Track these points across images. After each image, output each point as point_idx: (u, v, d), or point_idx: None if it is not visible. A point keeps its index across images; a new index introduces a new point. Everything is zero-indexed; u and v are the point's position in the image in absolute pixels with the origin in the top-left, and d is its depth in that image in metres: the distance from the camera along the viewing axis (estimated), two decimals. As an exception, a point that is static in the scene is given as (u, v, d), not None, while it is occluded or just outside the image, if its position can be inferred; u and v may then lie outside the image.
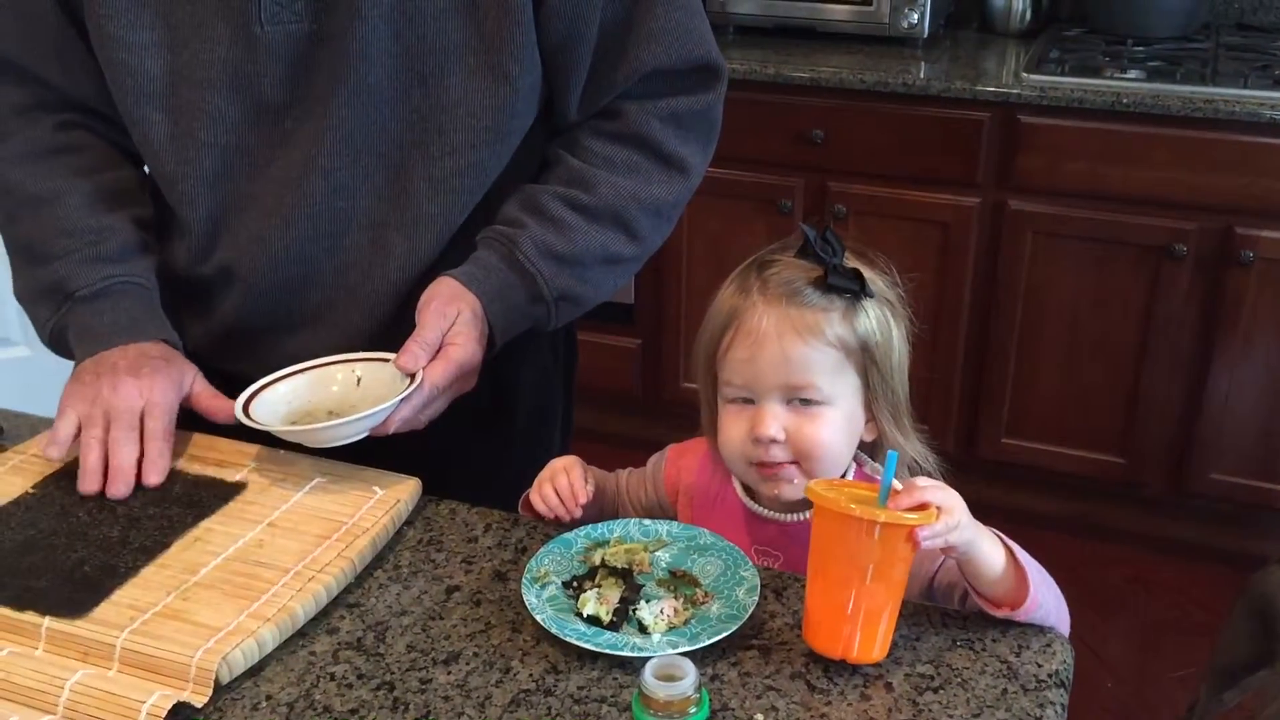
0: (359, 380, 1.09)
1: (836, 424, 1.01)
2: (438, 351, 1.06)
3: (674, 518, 1.11)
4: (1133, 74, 2.43)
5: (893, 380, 1.04)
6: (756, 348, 1.01)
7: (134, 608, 0.88)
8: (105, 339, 1.10)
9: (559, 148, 1.20)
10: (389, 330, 1.14)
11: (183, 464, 1.06)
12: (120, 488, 1.01)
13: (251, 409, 1.04)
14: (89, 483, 1.01)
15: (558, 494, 1.03)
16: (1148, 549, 2.60)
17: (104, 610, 0.87)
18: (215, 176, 1.14)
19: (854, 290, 1.00)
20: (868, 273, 1.02)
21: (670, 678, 0.67)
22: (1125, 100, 2.32)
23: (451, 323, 1.08)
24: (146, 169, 1.22)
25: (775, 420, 1.00)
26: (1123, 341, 2.50)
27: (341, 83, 1.08)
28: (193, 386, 1.10)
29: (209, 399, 1.09)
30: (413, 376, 1.03)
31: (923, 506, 0.85)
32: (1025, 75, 2.44)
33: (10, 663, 0.83)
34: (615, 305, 2.87)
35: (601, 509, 1.12)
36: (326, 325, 1.17)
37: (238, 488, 1.02)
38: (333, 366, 1.10)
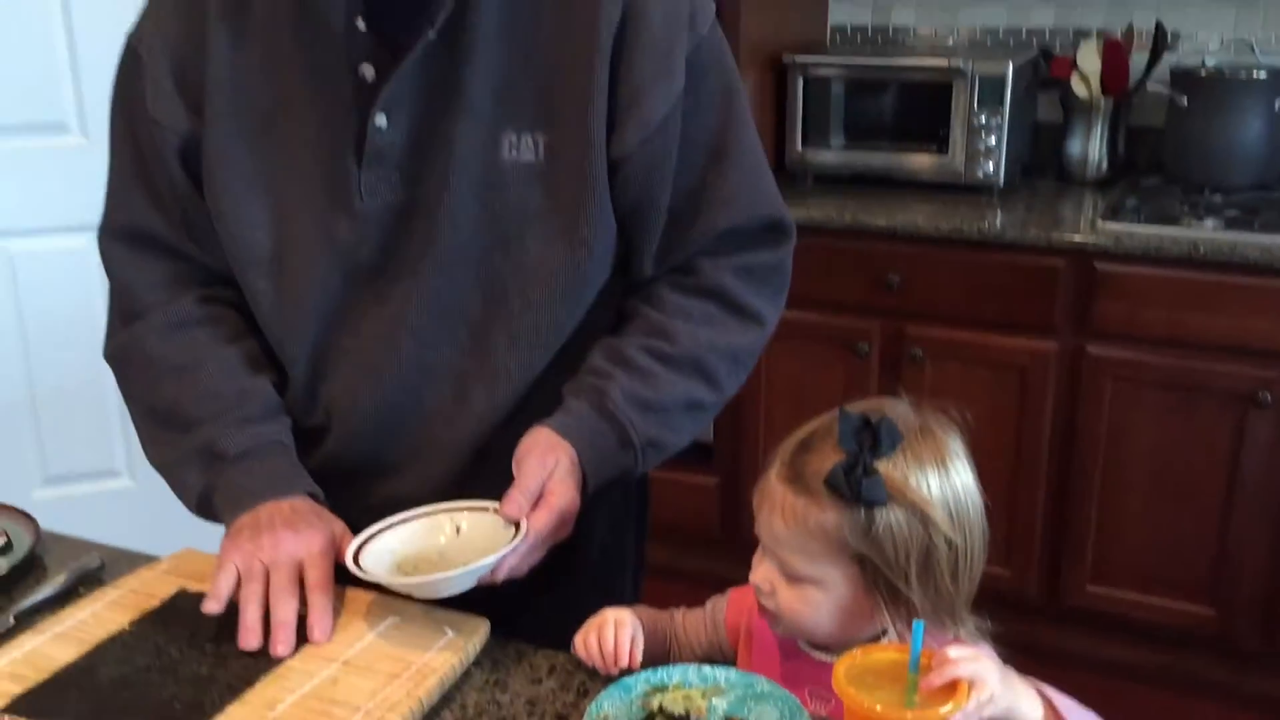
0: (459, 529, 1.14)
1: (815, 603, 1.03)
2: (538, 500, 1.11)
3: (733, 660, 1.13)
4: (1210, 223, 2.45)
5: (905, 584, 1.00)
6: (760, 508, 1.06)
7: (216, 741, 0.93)
8: (257, 495, 1.15)
9: (639, 301, 1.26)
10: (467, 477, 1.20)
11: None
12: (282, 646, 1.03)
13: (361, 559, 1.08)
14: (250, 638, 1.03)
15: (600, 647, 1.06)
16: (1240, 704, 2.51)
17: (188, 744, 0.93)
18: (316, 336, 1.22)
19: (845, 497, 0.99)
20: (912, 475, 1.00)
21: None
22: (1202, 249, 2.34)
23: (550, 471, 1.12)
24: None
25: (762, 572, 1.06)
26: (1209, 489, 2.46)
27: (430, 247, 1.16)
28: (341, 540, 1.13)
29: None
30: (516, 524, 1.08)
31: (954, 684, 0.86)
32: (1101, 223, 2.47)
33: (100, 791, 0.89)
34: (694, 444, 2.89)
35: (654, 648, 1.14)
36: (412, 472, 1.23)
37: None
38: (436, 515, 1.15)
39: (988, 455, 2.54)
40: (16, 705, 0.97)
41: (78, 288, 2.87)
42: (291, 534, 1.10)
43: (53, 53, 2.72)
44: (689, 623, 1.18)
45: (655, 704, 0.98)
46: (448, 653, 1.05)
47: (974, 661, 0.87)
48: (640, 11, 1.15)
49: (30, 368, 2.88)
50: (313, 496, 1.18)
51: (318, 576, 1.08)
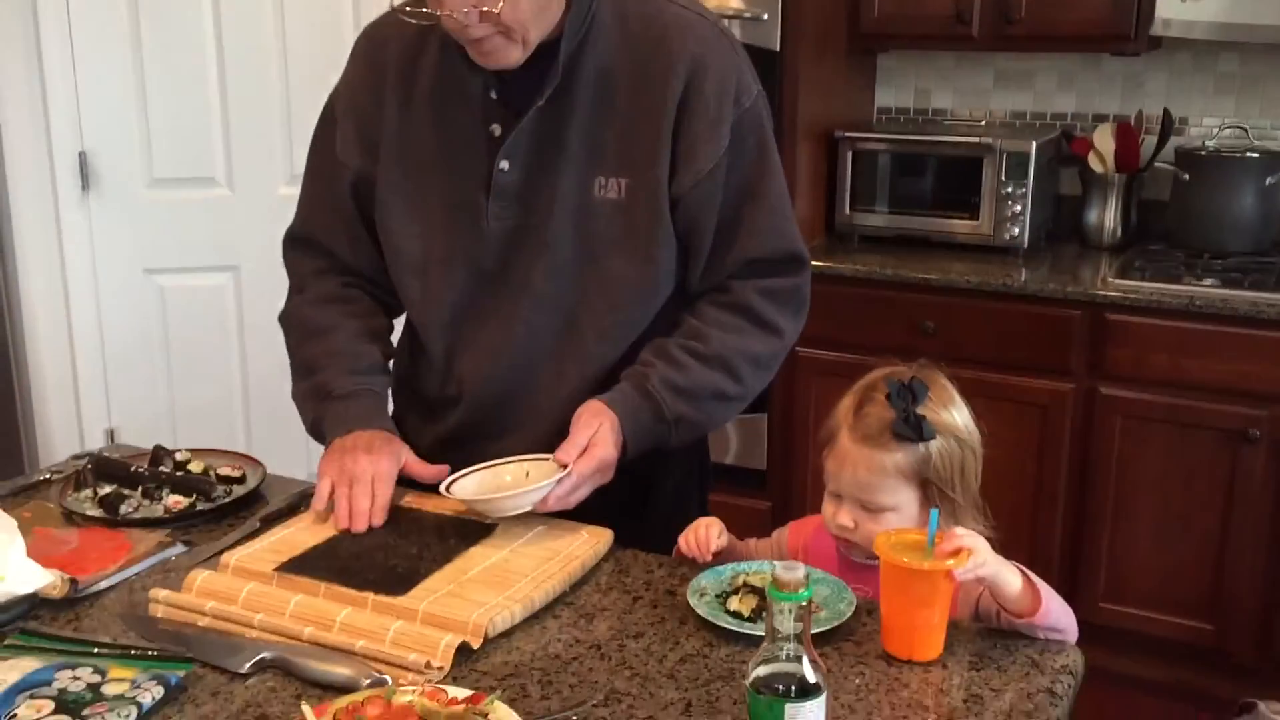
0: (527, 473, 1.51)
1: (892, 523, 1.39)
2: (585, 450, 1.47)
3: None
4: (1208, 281, 2.81)
5: (954, 491, 1.40)
6: (839, 466, 1.43)
7: (430, 590, 1.31)
8: (349, 425, 1.55)
9: (686, 313, 1.61)
10: (560, 438, 1.52)
11: (451, 514, 1.50)
12: (360, 524, 1.44)
13: (451, 489, 1.48)
14: (340, 523, 1.45)
15: (695, 540, 1.43)
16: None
17: (413, 592, 1.30)
18: (450, 324, 1.60)
19: (912, 439, 1.39)
20: (940, 413, 1.41)
21: (791, 569, 1.04)
22: (1198, 303, 2.70)
23: (595, 430, 1.48)
24: (400, 320, 1.71)
25: (848, 516, 1.43)
26: (1208, 515, 2.78)
27: (537, 260, 1.54)
28: (406, 460, 1.53)
29: (419, 467, 1.54)
30: (564, 467, 1.45)
31: (958, 550, 1.22)
32: (1112, 280, 2.84)
33: (352, 616, 1.27)
34: (749, 471, 3.28)
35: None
36: (518, 434, 1.59)
37: (491, 529, 1.46)
38: (510, 464, 1.52)
39: (1011, 485, 2.94)
40: (284, 567, 1.36)
41: (215, 319, 3.31)
42: (367, 456, 1.50)
43: (208, 116, 3.19)
44: (759, 547, 1.55)
45: (740, 581, 1.35)
46: (585, 546, 1.42)
47: (971, 537, 1.23)
48: (697, 88, 1.51)
49: (172, 386, 3.31)
50: (389, 431, 1.56)
51: (380, 489, 1.47)
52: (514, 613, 1.28)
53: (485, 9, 1.39)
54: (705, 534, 1.44)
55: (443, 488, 1.48)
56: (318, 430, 1.60)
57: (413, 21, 1.47)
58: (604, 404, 1.52)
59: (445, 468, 1.53)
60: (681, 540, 1.46)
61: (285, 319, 1.70)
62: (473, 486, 1.50)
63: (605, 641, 1.27)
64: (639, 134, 1.52)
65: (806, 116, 3.16)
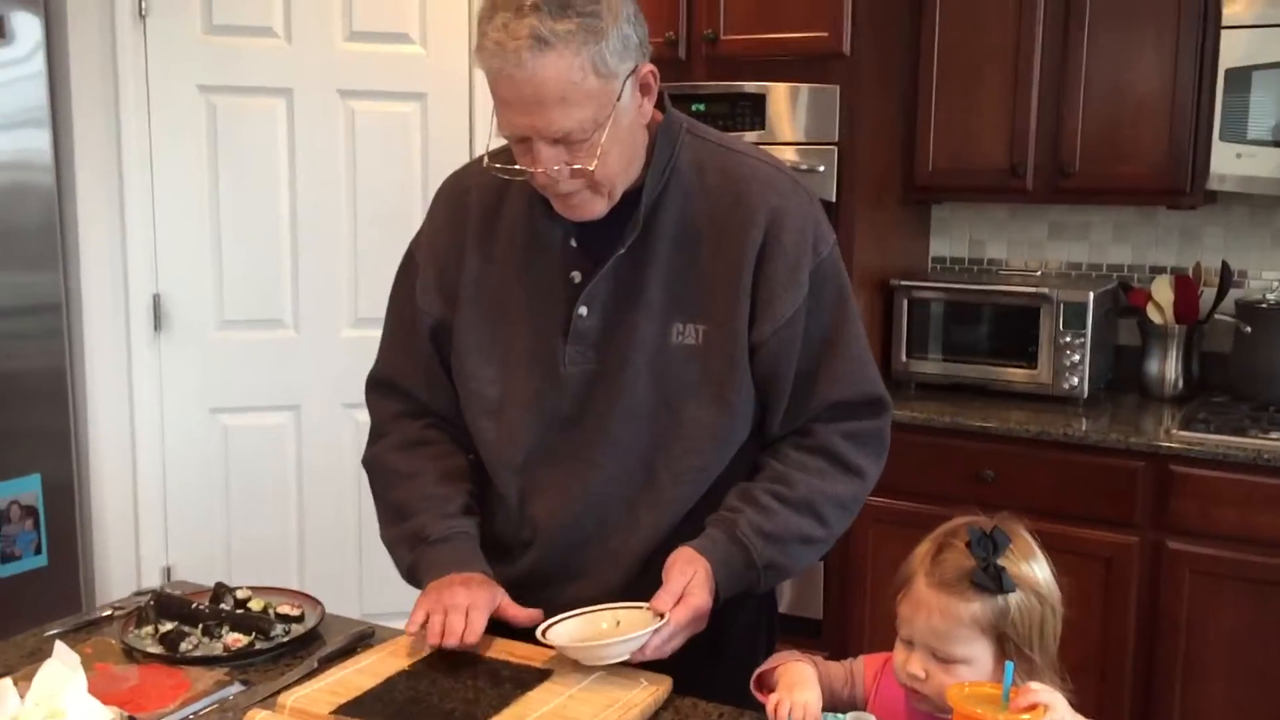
0: (618, 622, 1.49)
1: (965, 676, 1.35)
2: (680, 599, 1.46)
3: (865, 705, 1.46)
4: (1274, 435, 2.75)
5: (1031, 649, 1.36)
6: (914, 612, 1.40)
7: (487, 737, 1.29)
8: (445, 569, 1.55)
9: (767, 456, 1.62)
10: (633, 583, 1.54)
11: (507, 658, 1.49)
12: (452, 642, 1.44)
13: (547, 635, 1.47)
14: (432, 638, 1.45)
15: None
16: None
17: (468, 737, 1.28)
18: (523, 467, 1.61)
19: (991, 590, 1.35)
20: (1020, 566, 1.37)
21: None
22: (1265, 456, 2.65)
23: (689, 579, 1.48)
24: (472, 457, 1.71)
25: (919, 665, 1.38)
26: (1284, 676, 2.68)
27: (613, 405, 1.56)
28: (501, 601, 1.52)
29: (514, 610, 1.53)
30: (661, 616, 1.44)
31: (1034, 706, 1.19)
32: (1175, 431, 2.80)
33: (409, 762, 1.25)
34: (805, 620, 3.22)
35: None
36: (590, 579, 1.59)
37: (547, 674, 1.44)
38: (604, 612, 1.51)
39: (1077, 640, 2.84)
40: (342, 709, 1.35)
41: (275, 457, 3.36)
42: (463, 589, 1.50)
43: (279, 262, 3.29)
44: (832, 669, 1.51)
45: (805, 736, 1.32)
46: (644, 694, 1.40)
47: (1047, 691, 1.20)
48: (777, 237, 1.55)
49: (230, 524, 3.34)
50: (485, 574, 1.56)
51: (475, 615, 1.47)
52: (573, 763, 1.26)
53: (578, 166, 1.44)
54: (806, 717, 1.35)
55: (539, 632, 1.47)
56: (413, 576, 1.60)
57: (505, 177, 1.52)
58: (696, 551, 1.51)
59: (539, 612, 1.52)
60: (772, 703, 1.38)
61: (370, 464, 1.72)
62: (566, 633, 1.49)
63: (665, 795, 1.24)
64: (718, 282, 1.55)
65: (862, 265, 3.20)
